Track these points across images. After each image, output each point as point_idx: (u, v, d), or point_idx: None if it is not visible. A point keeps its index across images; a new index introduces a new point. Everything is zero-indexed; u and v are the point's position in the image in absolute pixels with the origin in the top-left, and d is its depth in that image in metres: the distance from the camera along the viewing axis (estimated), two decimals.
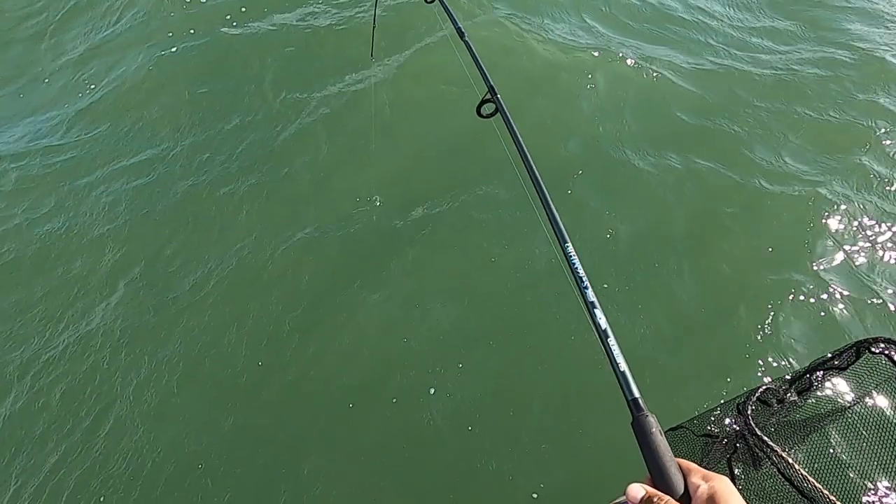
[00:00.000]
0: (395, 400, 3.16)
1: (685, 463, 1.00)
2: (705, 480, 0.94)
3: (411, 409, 3.12)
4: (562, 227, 1.44)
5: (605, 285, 3.40)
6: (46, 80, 5.41)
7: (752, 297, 3.42)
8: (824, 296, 3.41)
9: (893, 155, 4.22)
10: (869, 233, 3.75)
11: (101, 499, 2.95)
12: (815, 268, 3.55)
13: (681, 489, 0.95)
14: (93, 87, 5.21)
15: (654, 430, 1.02)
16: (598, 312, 1.22)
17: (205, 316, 3.59)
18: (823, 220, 3.80)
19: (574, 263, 1.33)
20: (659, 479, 0.97)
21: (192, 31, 5.43)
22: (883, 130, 4.38)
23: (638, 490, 0.96)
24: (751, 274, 3.55)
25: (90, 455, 3.10)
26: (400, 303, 3.55)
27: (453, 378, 3.22)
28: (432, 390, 3.18)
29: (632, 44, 5.25)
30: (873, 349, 1.99)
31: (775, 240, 3.72)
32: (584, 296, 1.27)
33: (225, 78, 5.03)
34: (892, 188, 4.01)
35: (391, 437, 3.05)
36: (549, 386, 3.17)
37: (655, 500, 0.94)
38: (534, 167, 1.58)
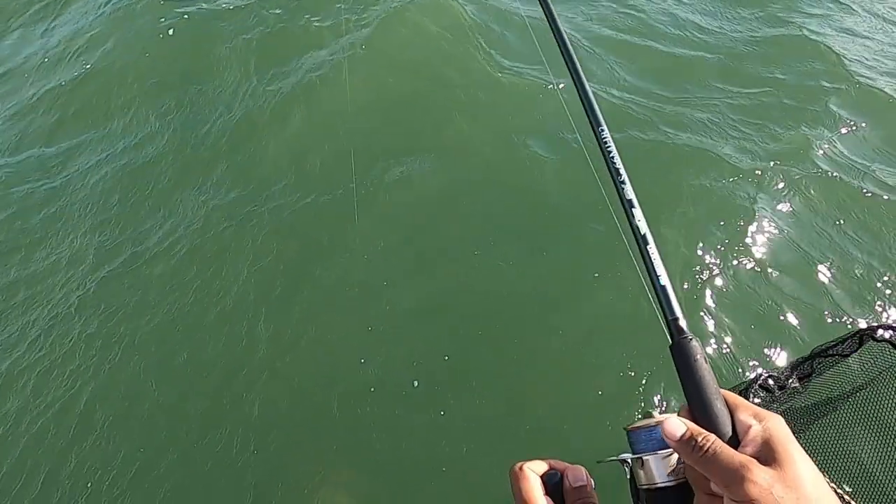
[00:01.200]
0: (372, 389, 3.04)
1: (731, 396, 0.84)
2: (757, 419, 0.78)
3: (393, 402, 3.00)
4: (595, 105, 1.13)
5: (596, 274, 3.32)
6: (46, 60, 5.44)
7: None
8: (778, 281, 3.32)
9: (846, 144, 4.13)
10: (820, 217, 3.63)
11: (88, 484, 2.88)
12: (769, 254, 3.44)
13: (728, 429, 0.80)
14: (88, 66, 5.22)
15: (698, 356, 0.86)
16: (637, 213, 1.00)
17: (187, 302, 3.50)
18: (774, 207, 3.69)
19: (611, 152, 1.08)
20: (702, 414, 0.82)
21: (185, 17, 5.38)
22: (842, 119, 4.30)
23: (678, 427, 0.79)
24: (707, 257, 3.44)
25: (64, 438, 3.04)
26: (383, 291, 3.43)
27: (439, 370, 3.10)
28: (416, 382, 3.06)
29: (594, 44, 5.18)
30: (876, 337, 1.93)
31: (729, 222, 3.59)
32: (620, 192, 1.03)
33: (213, 58, 5.00)
34: (844, 174, 3.89)
35: (373, 427, 2.94)
36: (541, 383, 3.05)
37: (700, 440, 0.77)
38: (556, 19, 1.30)
